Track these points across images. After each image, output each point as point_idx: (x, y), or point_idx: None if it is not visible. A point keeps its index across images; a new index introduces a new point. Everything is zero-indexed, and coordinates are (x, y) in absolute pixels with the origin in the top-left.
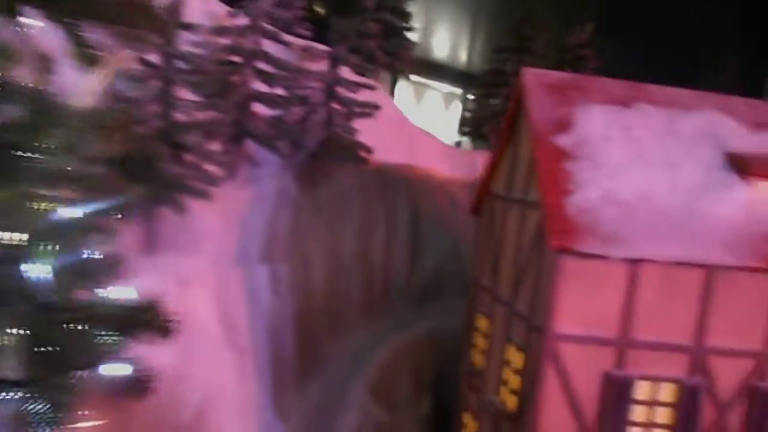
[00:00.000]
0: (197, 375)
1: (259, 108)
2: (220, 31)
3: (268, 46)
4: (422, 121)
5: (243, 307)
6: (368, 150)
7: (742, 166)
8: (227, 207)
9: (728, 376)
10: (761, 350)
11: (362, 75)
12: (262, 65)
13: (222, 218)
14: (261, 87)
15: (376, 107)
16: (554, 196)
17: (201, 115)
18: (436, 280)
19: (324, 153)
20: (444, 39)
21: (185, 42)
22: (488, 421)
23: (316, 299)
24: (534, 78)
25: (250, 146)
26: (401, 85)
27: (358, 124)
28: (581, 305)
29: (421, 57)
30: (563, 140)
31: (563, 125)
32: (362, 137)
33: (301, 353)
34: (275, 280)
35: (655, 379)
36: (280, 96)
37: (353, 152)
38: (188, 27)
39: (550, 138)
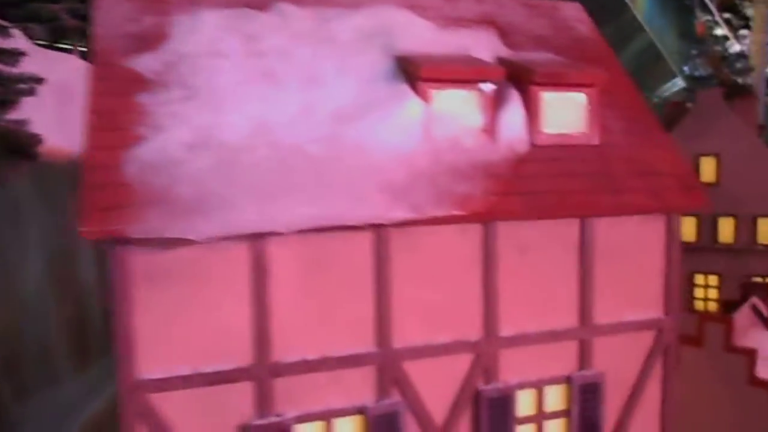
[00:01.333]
0: None
1: None
2: None
3: None
4: None
5: None
6: (37, 140)
7: (412, 71)
8: None
9: (436, 384)
10: (480, 338)
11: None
12: None
13: None
14: None
15: (38, 81)
16: (102, 150)
17: None
18: None
19: None
20: None
21: None
22: None
23: None
24: None
25: None
26: None
27: (29, 106)
28: (180, 325)
29: None
30: (144, 62)
31: (148, 41)
32: (42, 123)
33: None
34: None
35: (323, 417)
36: None
37: (15, 144)
38: None
39: (122, 60)
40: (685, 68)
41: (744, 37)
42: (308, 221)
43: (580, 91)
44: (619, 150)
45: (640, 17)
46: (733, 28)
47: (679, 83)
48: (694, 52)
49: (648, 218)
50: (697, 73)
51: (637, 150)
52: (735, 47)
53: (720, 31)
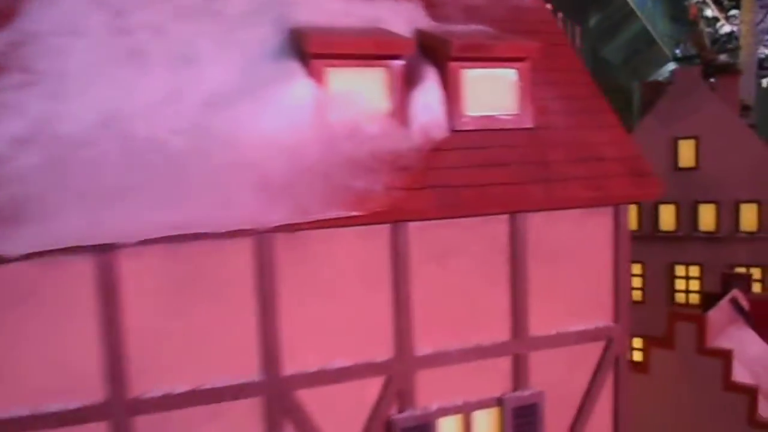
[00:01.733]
0: None
1: None
2: None
3: None
4: None
5: None
6: None
7: (302, 44)
8: None
9: (340, 414)
10: (391, 358)
11: None
12: None
13: None
14: None
15: None
16: None
17: None
18: None
19: None
20: None
21: None
22: None
23: None
24: None
25: None
26: None
27: None
28: (12, 358)
29: None
30: None
31: None
32: None
33: None
34: None
35: None
36: None
37: None
38: None
39: None
40: (677, 51)
41: (734, 17)
42: (158, 229)
43: (509, 67)
44: (557, 134)
45: (631, 2)
46: (724, 9)
47: (672, 67)
48: (685, 35)
49: (591, 212)
50: (688, 55)
51: (579, 133)
52: (726, 28)
53: (710, 12)
